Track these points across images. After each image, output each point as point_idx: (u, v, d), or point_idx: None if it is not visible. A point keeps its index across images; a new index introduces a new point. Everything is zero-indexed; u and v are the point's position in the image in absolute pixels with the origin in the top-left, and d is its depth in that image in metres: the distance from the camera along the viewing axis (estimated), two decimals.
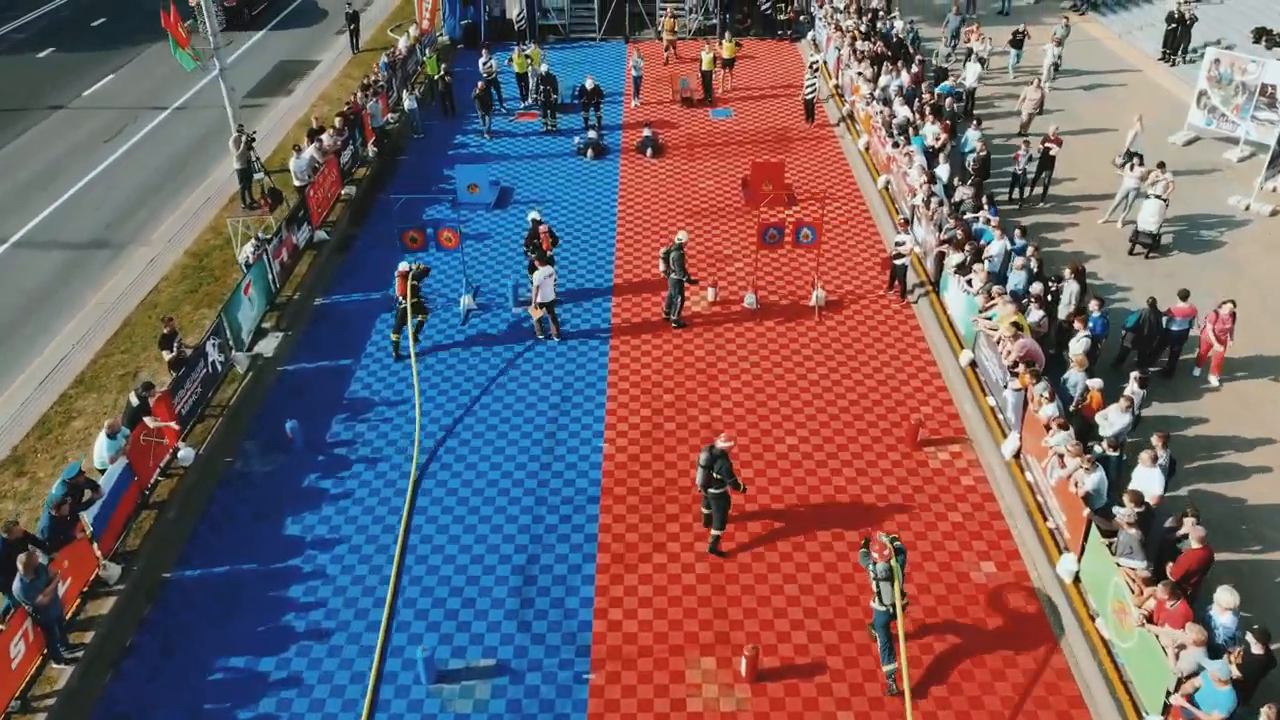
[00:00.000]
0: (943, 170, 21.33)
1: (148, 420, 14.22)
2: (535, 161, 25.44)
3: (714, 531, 13.65)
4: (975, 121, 23.17)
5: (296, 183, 21.32)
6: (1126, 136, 22.37)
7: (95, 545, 12.96)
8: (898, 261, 18.98)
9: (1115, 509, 12.60)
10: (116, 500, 13.57)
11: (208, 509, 14.69)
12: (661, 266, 18.43)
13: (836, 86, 29.08)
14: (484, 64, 27.58)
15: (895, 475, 15.06)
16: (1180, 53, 28.92)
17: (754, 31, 34.19)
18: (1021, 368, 14.83)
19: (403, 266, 17.31)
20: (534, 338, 18.21)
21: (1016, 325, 15.44)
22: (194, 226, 22.33)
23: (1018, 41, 29.24)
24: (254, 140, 22.02)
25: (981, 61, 27.43)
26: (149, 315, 19.01)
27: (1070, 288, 16.55)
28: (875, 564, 11.32)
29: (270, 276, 18.84)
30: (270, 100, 29.97)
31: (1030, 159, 21.89)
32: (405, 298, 17.14)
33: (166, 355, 15.99)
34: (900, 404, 16.51)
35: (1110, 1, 35.13)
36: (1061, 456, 13.15)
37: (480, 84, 26.45)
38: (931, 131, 22.54)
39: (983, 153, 21.64)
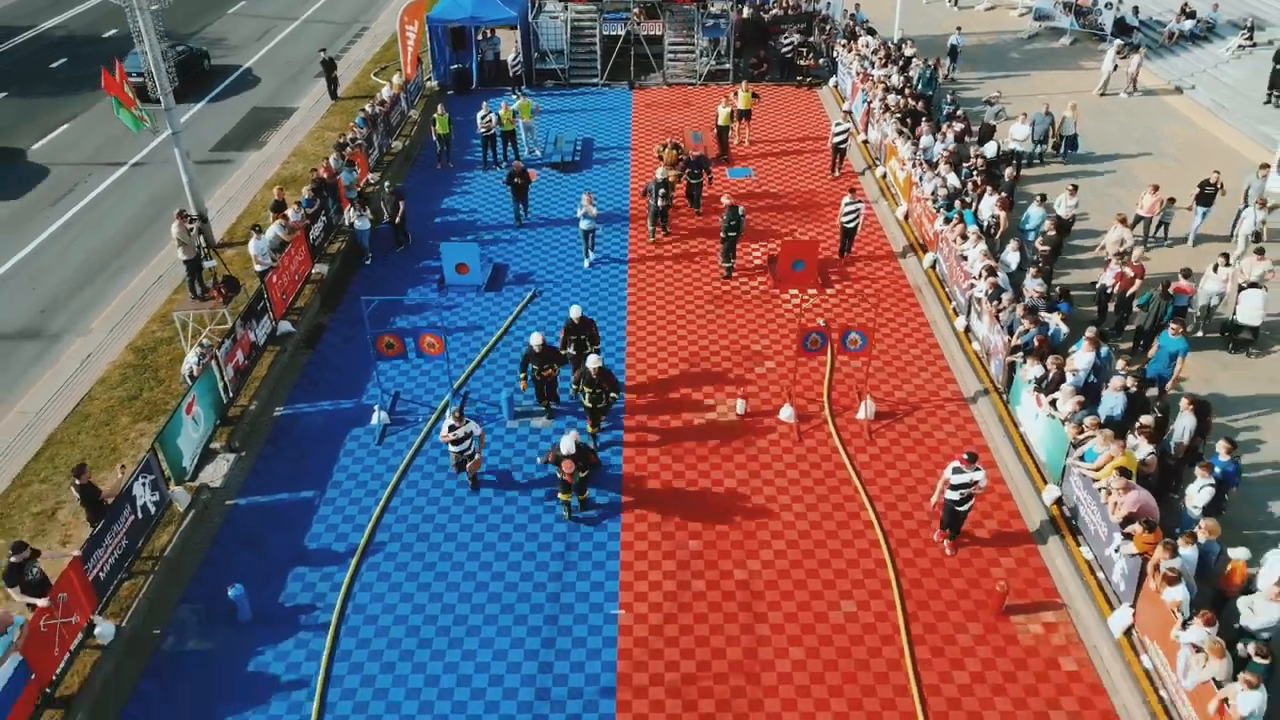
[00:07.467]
0: (1011, 257, 18.58)
1: (41, 601, 11.34)
2: (533, 231, 22.66)
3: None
4: (1039, 197, 20.24)
5: (257, 268, 18.44)
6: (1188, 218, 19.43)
7: None
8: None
9: None
10: (6, 710, 10.68)
11: (127, 708, 11.78)
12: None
13: (865, 142, 26.43)
14: (483, 118, 25.00)
15: (979, 656, 12.23)
16: None
17: (770, 77, 31.57)
18: (1136, 527, 12.04)
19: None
20: (527, 459, 15.43)
21: (1124, 470, 12.66)
22: (141, 311, 19.42)
23: (1208, 196, 20.07)
24: (205, 223, 19.00)
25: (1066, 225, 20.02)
26: (78, 431, 16.12)
27: (1185, 423, 13.71)
28: None
29: (221, 386, 15.96)
30: (239, 155, 27.15)
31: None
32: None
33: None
34: (976, 554, 13.68)
35: (1156, 44, 32.54)
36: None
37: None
38: (988, 206, 19.81)
39: (1051, 232, 18.78)
